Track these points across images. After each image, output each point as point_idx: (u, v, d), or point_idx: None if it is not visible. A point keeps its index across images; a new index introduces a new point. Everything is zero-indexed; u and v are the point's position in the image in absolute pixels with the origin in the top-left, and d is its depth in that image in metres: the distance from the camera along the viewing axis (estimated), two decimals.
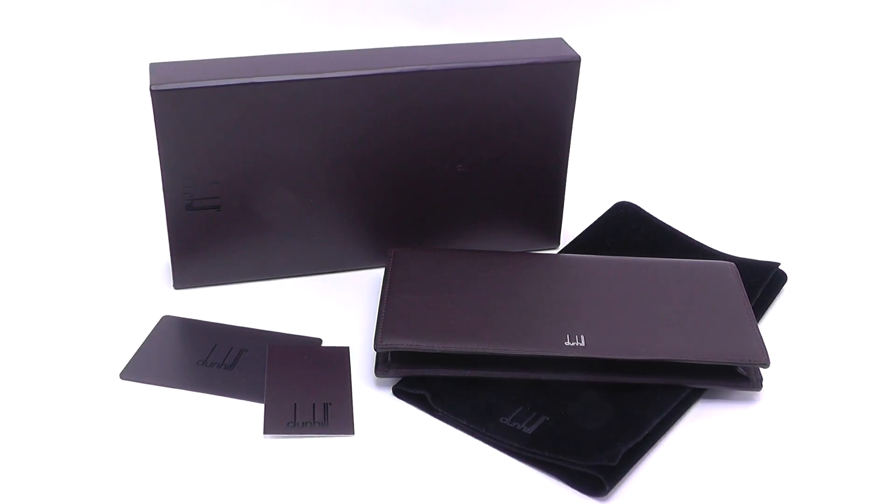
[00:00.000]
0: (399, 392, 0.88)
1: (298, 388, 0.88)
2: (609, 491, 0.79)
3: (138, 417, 0.85)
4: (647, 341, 0.88)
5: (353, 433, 0.84)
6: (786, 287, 1.04)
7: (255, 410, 0.86)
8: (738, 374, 0.88)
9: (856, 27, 1.51)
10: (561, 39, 1.01)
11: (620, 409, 0.85)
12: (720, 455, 0.84)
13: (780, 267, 1.04)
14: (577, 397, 0.87)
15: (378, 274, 1.03)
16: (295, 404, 0.86)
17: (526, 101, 0.99)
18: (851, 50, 1.50)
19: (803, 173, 1.27)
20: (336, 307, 0.99)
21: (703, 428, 0.86)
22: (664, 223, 1.10)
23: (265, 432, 0.84)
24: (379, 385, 0.90)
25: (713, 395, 0.89)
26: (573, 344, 0.87)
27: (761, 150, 1.32)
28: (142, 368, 0.90)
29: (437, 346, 0.87)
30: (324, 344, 0.94)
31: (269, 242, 1.00)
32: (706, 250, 1.06)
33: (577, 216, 1.11)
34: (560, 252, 1.07)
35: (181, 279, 1.01)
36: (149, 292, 1.00)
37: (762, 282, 1.00)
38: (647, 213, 1.11)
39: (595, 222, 1.10)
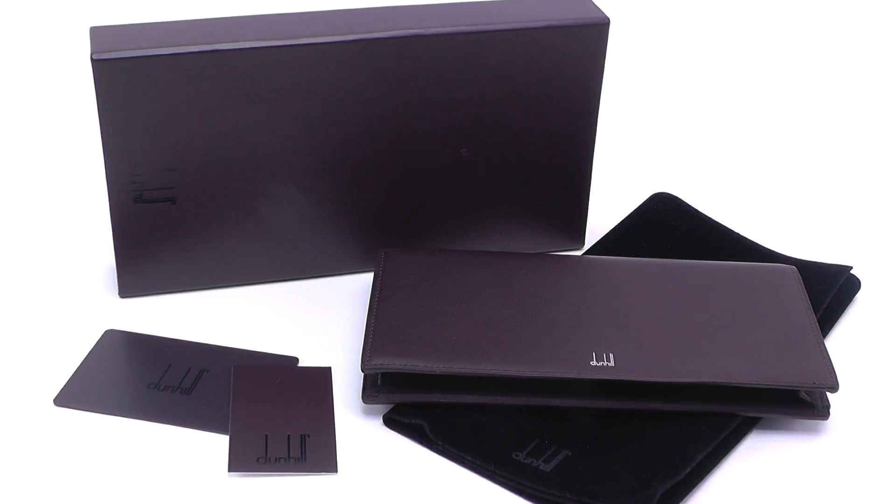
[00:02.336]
0: (391, 421, 0.89)
1: (270, 416, 0.88)
2: None
3: (76, 452, 0.85)
4: (690, 361, 0.88)
5: (336, 471, 0.84)
6: (859, 295, 1.04)
7: (218, 443, 0.87)
8: (801, 399, 0.89)
9: None
10: None
11: (657, 443, 0.85)
12: (778, 497, 0.84)
13: (852, 271, 1.04)
14: (605, 428, 0.87)
15: (366, 279, 1.03)
16: (266, 436, 0.86)
17: (544, 72, 0.99)
18: None
19: (883, 157, 1.27)
20: (316, 320, 0.99)
21: (757, 465, 0.86)
22: (710, 218, 1.10)
23: (230, 469, 0.84)
24: (367, 413, 0.90)
25: (770, 426, 0.89)
26: (601, 364, 0.87)
27: (828, 129, 1.32)
28: (81, 393, 0.91)
29: (437, 367, 0.87)
30: (301, 364, 0.95)
31: (235, 242, 1.01)
32: (762, 251, 1.06)
33: (606, 210, 1.12)
34: (585, 253, 1.07)
35: (128, 286, 1.01)
36: (89, 301, 1.01)
37: (830, 289, 1.01)
38: (690, 207, 1.11)
39: (627, 217, 1.10)
